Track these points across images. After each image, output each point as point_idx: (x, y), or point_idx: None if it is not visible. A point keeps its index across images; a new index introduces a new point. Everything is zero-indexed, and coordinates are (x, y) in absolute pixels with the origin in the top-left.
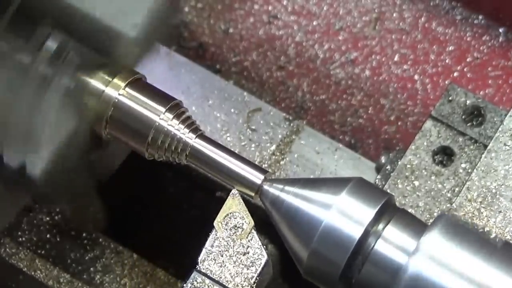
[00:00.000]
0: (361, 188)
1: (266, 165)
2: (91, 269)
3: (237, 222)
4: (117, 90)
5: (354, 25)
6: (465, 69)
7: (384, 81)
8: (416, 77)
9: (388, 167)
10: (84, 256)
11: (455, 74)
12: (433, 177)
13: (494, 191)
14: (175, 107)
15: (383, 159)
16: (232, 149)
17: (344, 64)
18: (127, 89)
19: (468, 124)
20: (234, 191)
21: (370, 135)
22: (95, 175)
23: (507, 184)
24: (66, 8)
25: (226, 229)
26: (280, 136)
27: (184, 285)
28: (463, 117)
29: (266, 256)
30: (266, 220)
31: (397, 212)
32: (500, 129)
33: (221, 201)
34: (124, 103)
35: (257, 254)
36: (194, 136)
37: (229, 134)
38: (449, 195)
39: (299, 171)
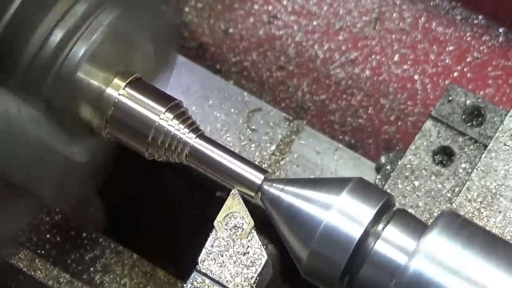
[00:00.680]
0: (361, 188)
1: (266, 165)
2: (91, 269)
3: (237, 222)
4: (117, 90)
5: (354, 25)
6: (465, 69)
7: (384, 81)
8: (416, 77)
9: (388, 167)
10: (84, 256)
11: (455, 74)
12: (433, 177)
13: (494, 191)
14: (175, 107)
15: (383, 159)
16: (232, 149)
17: (344, 64)
18: (127, 89)
19: (468, 124)
20: (234, 191)
21: (370, 135)
22: (92, 176)
23: (507, 184)
24: None
25: (226, 229)
26: (280, 136)
27: (184, 285)
28: (463, 117)
29: (266, 256)
30: (266, 220)
31: (397, 212)
32: (500, 129)
33: (221, 201)
34: (124, 103)
35: (257, 254)
36: (194, 136)
37: (229, 134)
38: (449, 195)
39: (299, 171)
